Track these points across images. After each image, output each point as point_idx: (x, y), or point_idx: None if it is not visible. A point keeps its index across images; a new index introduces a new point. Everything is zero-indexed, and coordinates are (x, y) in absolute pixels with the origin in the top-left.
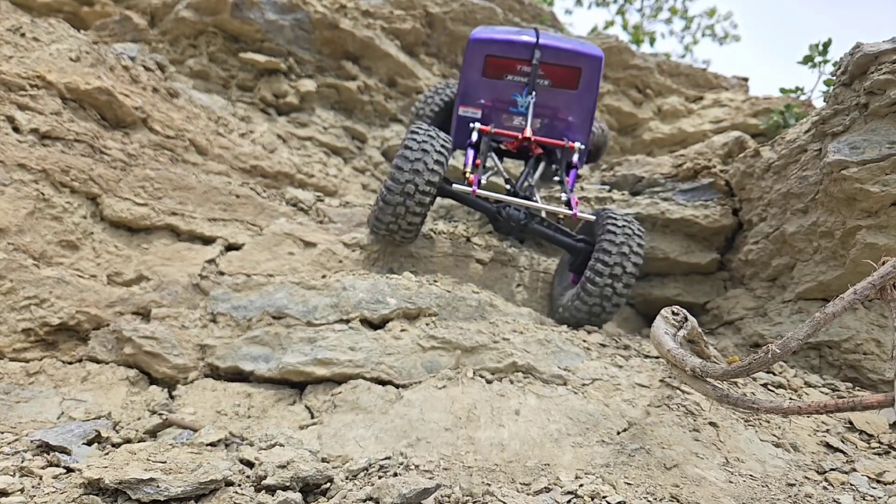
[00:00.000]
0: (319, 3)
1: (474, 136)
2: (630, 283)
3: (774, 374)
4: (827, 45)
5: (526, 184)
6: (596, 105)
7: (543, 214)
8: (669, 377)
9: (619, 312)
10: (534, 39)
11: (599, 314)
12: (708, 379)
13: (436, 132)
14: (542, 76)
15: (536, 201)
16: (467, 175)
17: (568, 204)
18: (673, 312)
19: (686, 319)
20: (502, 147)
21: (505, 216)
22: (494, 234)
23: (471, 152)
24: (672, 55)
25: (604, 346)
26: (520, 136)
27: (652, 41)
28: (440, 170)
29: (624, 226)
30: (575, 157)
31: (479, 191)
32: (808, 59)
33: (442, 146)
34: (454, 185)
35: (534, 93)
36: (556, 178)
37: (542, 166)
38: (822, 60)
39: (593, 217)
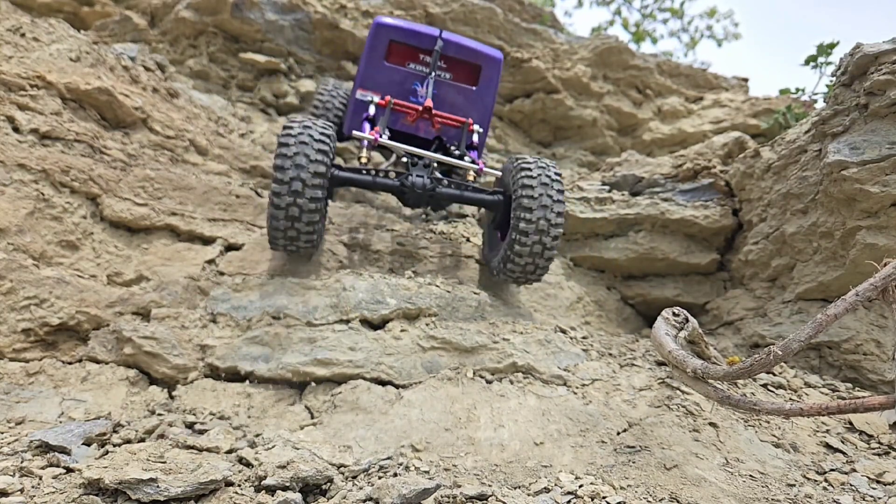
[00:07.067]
0: (319, 3)
1: (371, 110)
2: (558, 235)
3: (774, 375)
4: (833, 45)
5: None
6: (493, 107)
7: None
8: (669, 378)
9: (620, 313)
10: (437, 32)
11: (534, 271)
12: (709, 380)
13: (312, 121)
14: (443, 68)
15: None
16: (361, 158)
17: (473, 162)
18: (674, 313)
19: (687, 320)
20: (397, 130)
21: (410, 185)
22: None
23: (367, 126)
24: (675, 54)
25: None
26: (420, 109)
27: (654, 41)
28: (325, 158)
29: (539, 175)
30: (475, 138)
31: (382, 140)
32: (812, 59)
33: (322, 133)
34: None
35: (434, 73)
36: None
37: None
38: (824, 62)
39: (500, 173)
